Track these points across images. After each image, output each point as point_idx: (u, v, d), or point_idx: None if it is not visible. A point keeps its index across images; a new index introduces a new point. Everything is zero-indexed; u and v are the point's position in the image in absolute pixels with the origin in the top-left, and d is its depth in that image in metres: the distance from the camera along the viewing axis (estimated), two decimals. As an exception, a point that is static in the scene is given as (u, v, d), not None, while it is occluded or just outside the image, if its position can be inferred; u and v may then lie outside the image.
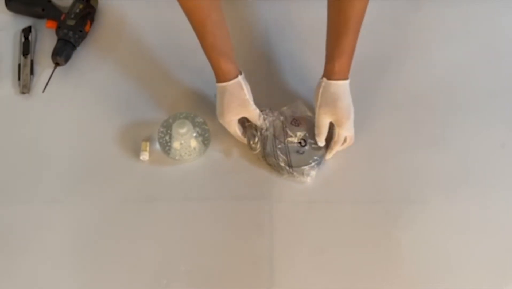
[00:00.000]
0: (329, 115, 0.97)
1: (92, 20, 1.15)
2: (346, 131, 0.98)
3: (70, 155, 1.03)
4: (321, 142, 1.00)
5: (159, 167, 1.02)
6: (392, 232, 0.97)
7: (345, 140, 1.00)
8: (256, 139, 1.01)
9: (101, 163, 1.03)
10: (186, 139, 0.99)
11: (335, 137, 0.99)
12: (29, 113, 1.08)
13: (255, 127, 1.02)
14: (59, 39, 1.11)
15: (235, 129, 1.00)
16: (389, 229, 0.98)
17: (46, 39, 1.14)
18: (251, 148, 1.02)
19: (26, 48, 1.12)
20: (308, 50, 1.12)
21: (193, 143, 1.00)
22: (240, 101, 0.97)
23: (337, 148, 1.00)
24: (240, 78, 0.97)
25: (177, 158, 1.01)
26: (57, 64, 1.10)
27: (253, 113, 0.99)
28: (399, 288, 0.93)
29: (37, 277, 0.94)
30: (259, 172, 1.02)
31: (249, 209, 0.99)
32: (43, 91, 1.08)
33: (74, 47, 1.11)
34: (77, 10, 1.13)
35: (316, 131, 1.00)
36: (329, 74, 0.96)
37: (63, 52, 1.09)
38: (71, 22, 1.12)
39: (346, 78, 0.96)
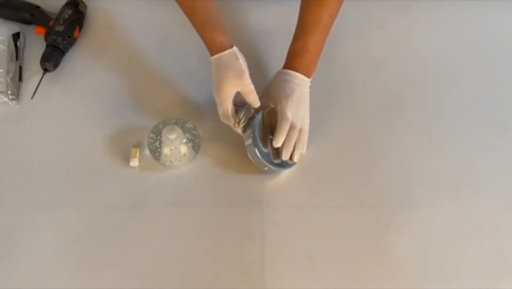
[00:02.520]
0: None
1: (81, 26, 1.15)
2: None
3: (60, 161, 1.03)
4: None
5: (149, 173, 1.02)
6: (383, 236, 0.97)
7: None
8: (242, 114, 0.98)
9: (91, 169, 1.02)
10: (176, 145, 0.99)
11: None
12: (18, 120, 1.07)
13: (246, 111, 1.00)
14: (47, 45, 1.10)
15: (228, 107, 0.96)
16: (380, 233, 0.98)
17: (35, 45, 1.13)
18: (236, 124, 0.99)
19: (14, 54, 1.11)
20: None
21: (183, 149, 1.00)
22: (236, 72, 0.94)
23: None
24: (235, 49, 0.96)
25: (167, 163, 1.01)
26: (46, 70, 1.09)
27: (248, 88, 0.95)
28: (391, 291, 0.94)
29: (25, 282, 0.93)
30: (249, 177, 1.01)
31: (240, 214, 0.99)
32: (32, 97, 1.07)
33: (63, 53, 1.11)
34: (66, 16, 1.12)
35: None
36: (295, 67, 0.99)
37: (52, 58, 1.09)
38: (60, 28, 1.11)
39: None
